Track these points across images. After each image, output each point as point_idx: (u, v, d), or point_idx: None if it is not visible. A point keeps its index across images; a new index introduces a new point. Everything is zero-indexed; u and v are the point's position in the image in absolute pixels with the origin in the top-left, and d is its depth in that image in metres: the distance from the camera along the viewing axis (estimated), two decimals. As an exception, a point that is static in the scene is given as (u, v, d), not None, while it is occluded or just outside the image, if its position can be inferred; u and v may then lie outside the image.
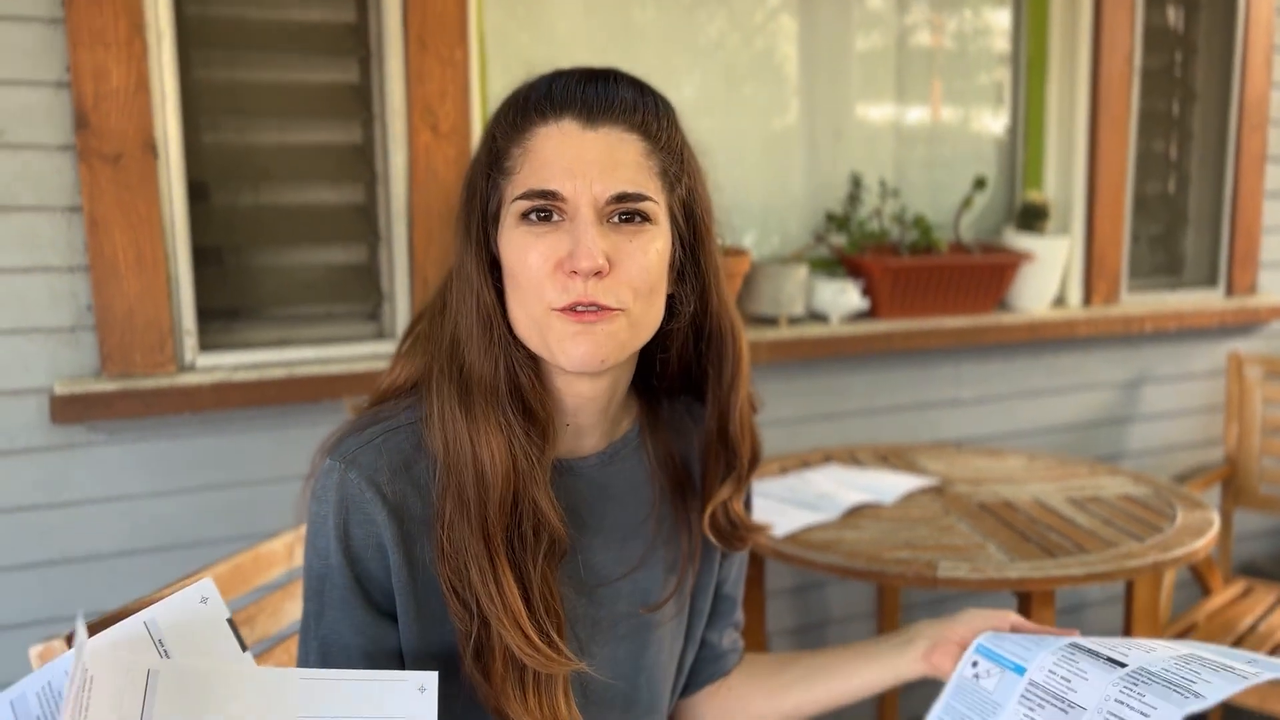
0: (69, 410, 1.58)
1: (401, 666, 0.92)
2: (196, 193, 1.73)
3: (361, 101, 1.84)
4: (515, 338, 0.91)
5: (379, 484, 0.88)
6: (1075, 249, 2.51)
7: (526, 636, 0.87)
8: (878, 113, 2.42)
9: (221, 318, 1.78)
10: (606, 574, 0.98)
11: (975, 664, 0.97)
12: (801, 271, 2.17)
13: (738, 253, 2.10)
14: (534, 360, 0.92)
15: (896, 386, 2.35)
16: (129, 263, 1.62)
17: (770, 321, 2.17)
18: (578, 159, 0.86)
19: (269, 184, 1.82)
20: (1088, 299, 2.52)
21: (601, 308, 0.86)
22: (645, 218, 0.88)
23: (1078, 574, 1.51)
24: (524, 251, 0.86)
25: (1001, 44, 2.52)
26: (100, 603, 1.13)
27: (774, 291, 2.15)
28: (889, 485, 1.93)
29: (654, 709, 1.05)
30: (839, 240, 2.32)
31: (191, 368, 1.71)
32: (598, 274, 0.85)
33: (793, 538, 1.67)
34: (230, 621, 0.78)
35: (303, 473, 1.79)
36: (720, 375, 1.01)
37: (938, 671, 1.01)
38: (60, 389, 1.59)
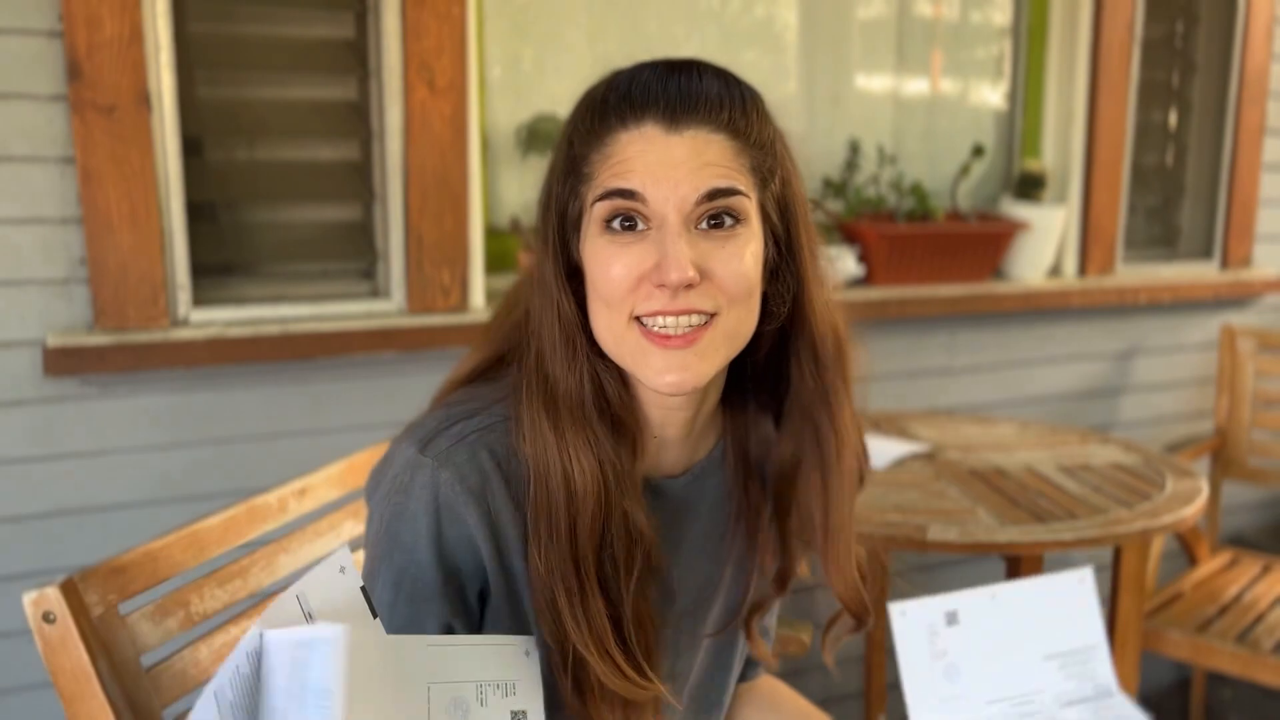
0: (62, 363, 1.58)
1: None
2: (190, 147, 1.72)
3: (357, 57, 1.82)
4: (598, 350, 0.87)
5: (474, 490, 0.85)
6: (1072, 219, 2.50)
7: (616, 665, 0.85)
8: (877, 81, 2.41)
9: (215, 273, 1.78)
10: (691, 595, 0.97)
11: None
12: (797, 237, 2.17)
13: (734, 217, 2.09)
14: (619, 371, 0.88)
15: (890, 354, 2.35)
16: (123, 216, 1.61)
17: (765, 286, 2.17)
18: (661, 163, 0.81)
19: (264, 139, 1.80)
20: (1083, 269, 2.52)
21: (704, 316, 0.82)
22: (736, 219, 0.83)
23: (1067, 539, 1.52)
24: (608, 263, 0.82)
25: (1002, 14, 2.51)
26: (93, 555, 1.13)
27: (769, 256, 2.16)
28: (880, 451, 1.94)
29: (719, 710, 1.07)
30: (836, 207, 2.32)
31: (185, 323, 1.70)
32: (688, 286, 0.80)
33: (784, 500, 1.68)
34: (363, 589, 0.76)
35: (295, 429, 1.79)
36: (817, 377, 0.93)
37: None
38: (53, 341, 1.59)
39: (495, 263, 1.98)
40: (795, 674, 2.38)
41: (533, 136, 1.97)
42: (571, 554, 0.84)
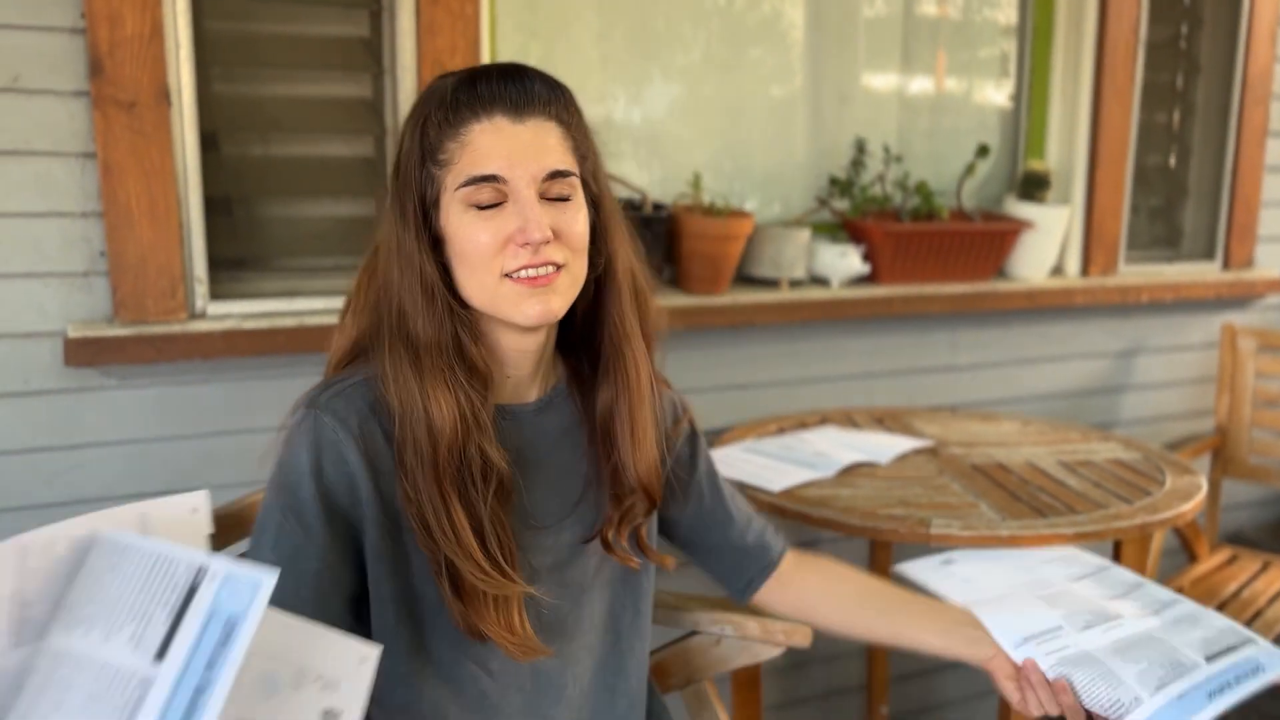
0: (82, 353, 1.61)
1: (350, 611, 1.04)
2: (207, 143, 1.75)
3: (372, 55, 1.85)
4: (459, 304, 1.04)
5: (350, 426, 1.01)
6: (1075, 219, 2.53)
7: (479, 565, 1.00)
8: (883, 80, 2.44)
9: (231, 267, 1.81)
10: (551, 509, 1.13)
11: None
12: (804, 235, 2.20)
13: (741, 215, 2.12)
14: (474, 323, 1.06)
15: (894, 351, 2.38)
16: (142, 210, 1.64)
17: (771, 284, 2.20)
18: (514, 148, 1.01)
19: (279, 136, 1.83)
20: (1085, 269, 2.55)
21: (556, 266, 1.02)
22: (572, 191, 1.04)
23: (1067, 533, 1.55)
24: (475, 232, 1.01)
25: (1007, 13, 2.53)
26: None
27: (775, 254, 2.18)
28: (884, 446, 1.97)
29: (612, 633, 1.19)
30: (841, 205, 2.34)
31: (202, 315, 1.73)
32: (545, 242, 1.01)
33: (788, 493, 1.71)
34: (210, 537, 0.84)
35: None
36: (621, 314, 1.12)
37: (993, 676, 1.23)
38: (73, 332, 1.62)
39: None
40: (796, 667, 2.42)
41: (543, 134, 2.00)
42: (435, 476, 1.01)
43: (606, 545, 1.15)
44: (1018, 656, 1.20)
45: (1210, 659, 1.16)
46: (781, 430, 2.11)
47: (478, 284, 1.03)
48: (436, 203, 1.03)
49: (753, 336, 2.21)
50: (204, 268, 1.73)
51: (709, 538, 1.32)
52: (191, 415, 1.74)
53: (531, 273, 1.01)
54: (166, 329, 1.67)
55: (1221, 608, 2.20)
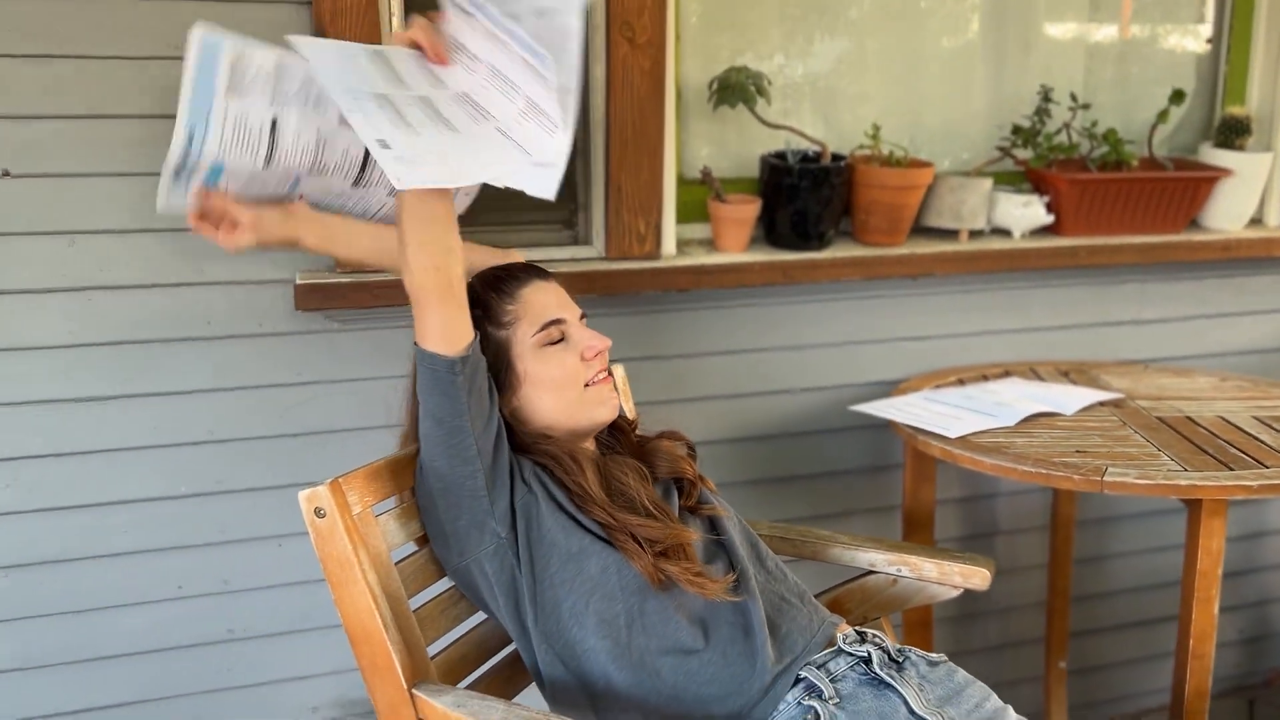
0: (309, 299, 1.78)
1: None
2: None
3: (564, 18, 1.94)
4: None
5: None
6: (1278, 166, 2.41)
7: (653, 525, 1.31)
8: (1067, 27, 2.38)
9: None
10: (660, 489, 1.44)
11: None
12: (985, 185, 2.19)
13: (920, 165, 2.13)
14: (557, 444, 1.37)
15: (1078, 304, 2.34)
16: (360, 168, 1.80)
17: (951, 235, 2.20)
18: (558, 300, 1.41)
19: (478, 97, 1.95)
20: (1289, 219, 2.43)
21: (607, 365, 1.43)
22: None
23: (1251, 484, 1.53)
24: (561, 359, 1.37)
25: (1209, -50, 2.42)
26: (334, 471, 1.31)
27: (955, 205, 2.18)
28: (1069, 397, 1.96)
29: (768, 553, 1.46)
30: (1024, 154, 2.31)
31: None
32: (606, 349, 1.39)
33: (964, 440, 1.74)
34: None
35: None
36: None
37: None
38: (301, 279, 1.79)
39: (685, 212, 2.08)
40: (971, 617, 2.44)
41: (724, 88, 2.05)
42: (601, 501, 1.32)
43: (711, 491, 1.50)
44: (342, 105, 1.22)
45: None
46: (961, 381, 2.12)
47: (564, 403, 1.36)
48: (508, 357, 1.36)
49: (931, 288, 2.22)
50: (413, 221, 1.87)
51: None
52: (406, 356, 1.89)
53: (602, 375, 1.39)
54: (378, 277, 1.82)
55: None
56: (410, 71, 1.27)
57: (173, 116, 1.25)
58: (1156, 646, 2.56)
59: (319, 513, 1.22)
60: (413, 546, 1.39)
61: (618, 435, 1.50)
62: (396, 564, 1.31)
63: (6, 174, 1.66)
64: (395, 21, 1.80)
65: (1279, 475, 1.56)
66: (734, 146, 2.17)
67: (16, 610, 1.82)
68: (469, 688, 1.33)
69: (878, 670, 1.26)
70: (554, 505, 1.30)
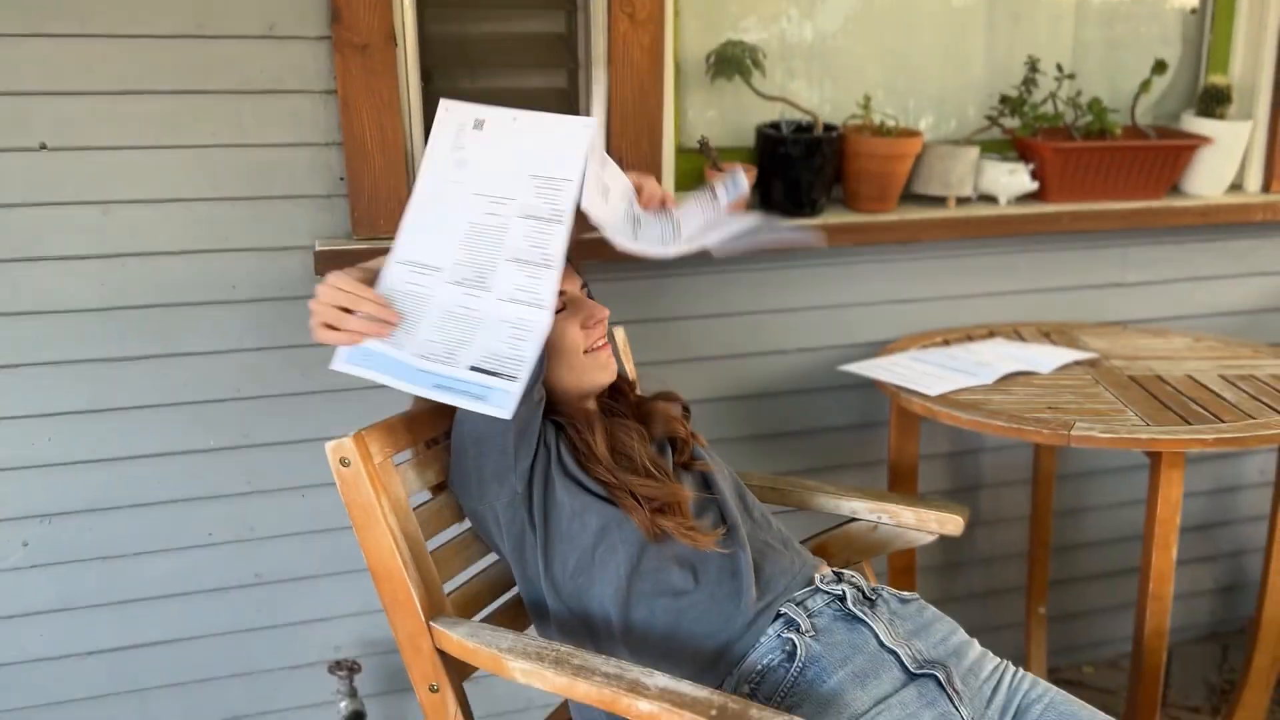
0: (328, 264, 1.87)
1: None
2: (424, 78, 1.98)
3: (567, -6, 2.04)
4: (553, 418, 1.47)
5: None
6: (1258, 134, 2.50)
7: (649, 482, 1.42)
8: (1059, -3, 2.45)
9: (446, 189, 2.05)
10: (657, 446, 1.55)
11: None
12: (972, 153, 2.28)
13: (909, 134, 2.22)
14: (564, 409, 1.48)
15: (1062, 268, 2.44)
16: (374, 140, 1.90)
17: (939, 201, 2.30)
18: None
19: (484, 70, 2.05)
20: (1267, 185, 2.52)
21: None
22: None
23: (1207, 438, 1.64)
24: (563, 327, 1.43)
25: (1195, -77, 2.49)
26: (352, 425, 1.42)
27: (943, 172, 2.27)
28: (1047, 357, 2.06)
29: (757, 507, 1.57)
30: (1012, 123, 2.40)
31: (423, 232, 1.98)
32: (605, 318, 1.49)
33: (944, 397, 1.85)
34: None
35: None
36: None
37: None
38: (320, 246, 1.90)
39: (684, 180, 2.18)
40: (954, 566, 2.57)
41: (721, 61, 2.14)
42: (606, 461, 1.43)
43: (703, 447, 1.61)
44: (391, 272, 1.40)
45: (474, 369, 1.28)
46: (947, 342, 2.23)
47: (564, 367, 1.45)
48: None
49: (919, 253, 2.32)
50: (425, 190, 1.97)
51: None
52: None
53: (601, 342, 1.48)
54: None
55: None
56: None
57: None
58: (1131, 595, 2.69)
59: (344, 462, 1.34)
60: (428, 495, 1.51)
61: (617, 396, 1.60)
62: (414, 509, 1.43)
63: (44, 147, 1.77)
64: (407, 1, 1.89)
65: (1234, 430, 1.67)
66: (731, 117, 2.27)
67: (58, 555, 1.96)
68: (481, 621, 1.45)
69: (851, 607, 1.38)
70: (560, 466, 1.42)
